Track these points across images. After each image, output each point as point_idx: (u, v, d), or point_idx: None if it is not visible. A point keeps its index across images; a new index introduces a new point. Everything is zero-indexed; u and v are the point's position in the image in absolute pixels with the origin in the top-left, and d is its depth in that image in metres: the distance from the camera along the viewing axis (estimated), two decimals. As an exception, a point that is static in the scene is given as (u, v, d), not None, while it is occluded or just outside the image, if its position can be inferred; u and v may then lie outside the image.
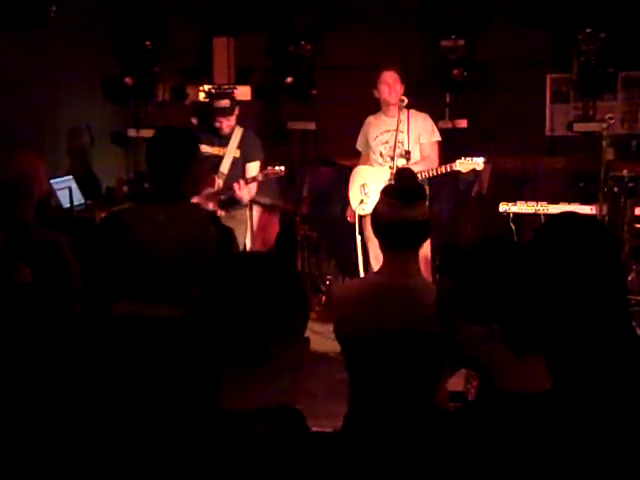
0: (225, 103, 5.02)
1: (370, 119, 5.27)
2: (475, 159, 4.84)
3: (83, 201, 5.81)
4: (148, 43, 6.22)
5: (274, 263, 1.40)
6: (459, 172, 4.98)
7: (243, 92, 6.06)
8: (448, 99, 6.31)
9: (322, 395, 3.96)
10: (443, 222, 5.98)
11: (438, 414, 1.73)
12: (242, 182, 4.92)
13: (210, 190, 5.01)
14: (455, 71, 6.04)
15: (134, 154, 6.55)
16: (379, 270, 2.52)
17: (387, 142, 5.08)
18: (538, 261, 1.47)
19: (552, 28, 5.89)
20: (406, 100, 4.82)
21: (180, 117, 6.60)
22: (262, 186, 5.21)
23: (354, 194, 5.23)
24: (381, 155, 5.14)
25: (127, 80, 6.24)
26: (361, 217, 4.99)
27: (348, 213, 5.31)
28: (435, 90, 6.18)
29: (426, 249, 4.63)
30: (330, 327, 2.53)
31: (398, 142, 4.80)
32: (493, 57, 6.18)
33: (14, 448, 2.18)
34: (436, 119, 5.46)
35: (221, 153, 5.08)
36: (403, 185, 2.46)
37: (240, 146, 5.07)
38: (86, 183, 6.04)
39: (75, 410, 2.40)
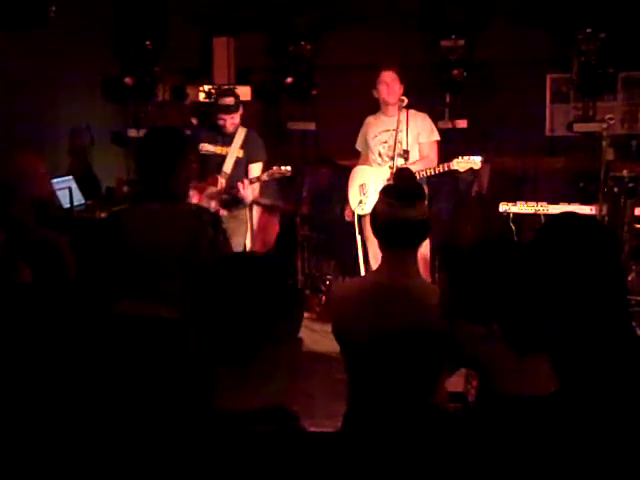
0: (230, 100, 5.02)
1: (370, 119, 5.27)
2: (472, 158, 4.83)
3: (83, 201, 5.81)
4: (148, 43, 6.22)
5: (268, 264, 1.41)
6: (459, 172, 4.98)
7: (243, 92, 6.06)
8: (448, 99, 6.31)
9: (321, 395, 3.96)
10: (443, 222, 5.98)
11: (437, 414, 1.73)
12: (247, 182, 4.92)
13: (212, 189, 5.01)
14: (455, 71, 6.03)
15: (134, 154, 6.55)
16: (378, 269, 2.52)
17: (386, 142, 5.08)
18: (538, 261, 1.47)
19: (552, 28, 5.89)
20: (406, 100, 4.81)
21: (180, 117, 6.60)
22: (262, 186, 5.21)
23: (353, 194, 5.23)
24: (380, 155, 5.14)
25: (127, 80, 6.24)
26: (360, 217, 4.99)
27: (346, 212, 5.31)
28: (435, 90, 6.17)
29: (425, 249, 4.63)
30: (330, 327, 2.53)
31: (398, 142, 4.80)
32: (493, 57, 6.18)
33: (14, 447, 2.18)
34: (436, 119, 5.46)
35: (224, 152, 5.07)
36: (402, 185, 2.46)
37: (244, 146, 5.07)
38: (86, 183, 6.04)
39: (74, 409, 2.40)
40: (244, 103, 5.25)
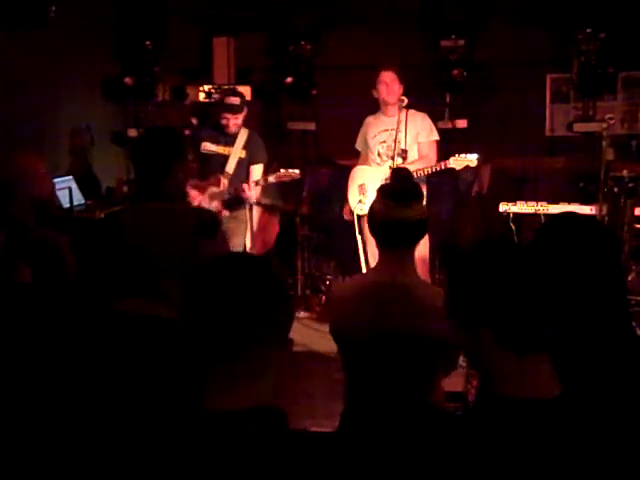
0: (236, 100, 5.03)
1: (369, 119, 5.27)
2: (469, 156, 4.83)
3: (83, 201, 5.82)
4: (148, 43, 6.22)
5: (258, 265, 1.41)
6: (459, 172, 4.98)
7: (243, 92, 6.06)
8: (448, 99, 6.30)
9: (321, 395, 3.96)
10: (443, 222, 5.98)
11: (434, 413, 1.73)
12: (253, 183, 4.92)
13: (215, 189, 5.01)
14: (455, 71, 6.03)
15: (130, 154, 6.54)
16: (376, 267, 2.52)
17: (384, 141, 5.08)
18: (538, 261, 1.47)
19: (552, 28, 5.89)
20: (406, 100, 4.81)
21: (180, 117, 6.60)
22: (262, 186, 5.21)
23: (353, 194, 5.23)
24: (379, 155, 5.14)
25: (127, 80, 6.23)
26: (360, 217, 5.00)
27: (344, 211, 5.32)
28: (435, 90, 6.17)
29: (425, 249, 4.63)
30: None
31: (397, 141, 4.80)
32: (493, 57, 6.18)
33: (14, 447, 2.18)
34: (436, 119, 5.46)
35: (226, 152, 5.07)
36: (398, 185, 2.47)
37: (246, 147, 5.07)
38: (86, 183, 6.04)
39: (72, 408, 2.40)
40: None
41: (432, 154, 5.06)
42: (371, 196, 4.99)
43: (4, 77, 5.26)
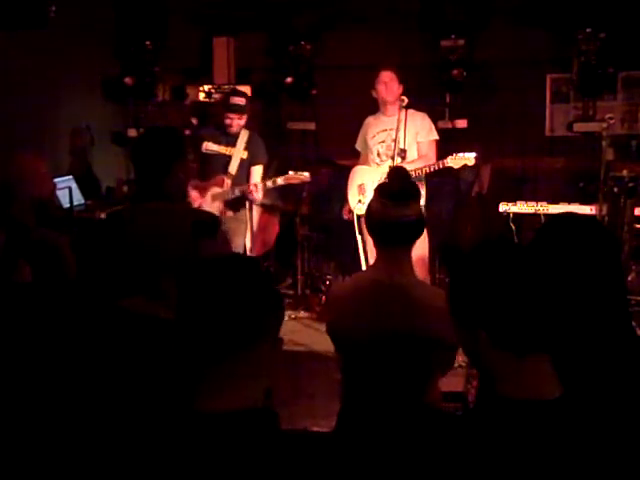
0: (241, 101, 5.03)
1: (369, 119, 5.27)
2: (466, 155, 4.82)
3: (83, 201, 5.82)
4: (148, 43, 6.22)
5: (248, 266, 1.41)
6: (459, 172, 4.98)
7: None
8: (448, 99, 6.30)
9: (321, 395, 3.96)
10: (443, 222, 5.98)
11: (431, 414, 1.73)
12: (260, 185, 4.93)
13: (217, 190, 5.01)
14: (455, 71, 6.03)
15: (130, 154, 6.54)
16: (374, 266, 2.52)
17: (384, 141, 5.08)
18: (538, 261, 1.47)
19: (552, 28, 5.89)
20: (406, 100, 4.81)
21: (180, 117, 6.60)
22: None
23: (352, 194, 5.24)
24: (378, 155, 5.14)
25: (127, 80, 6.23)
26: (359, 217, 5.00)
27: (344, 210, 5.32)
28: (435, 90, 6.17)
29: (424, 249, 4.63)
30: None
31: (396, 141, 4.80)
32: (493, 57, 6.18)
33: (14, 447, 2.19)
34: (436, 119, 5.46)
35: (228, 152, 5.08)
36: (396, 184, 2.47)
37: (247, 147, 5.07)
38: (86, 183, 6.05)
39: (71, 408, 2.40)
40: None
41: (431, 154, 5.06)
42: (370, 196, 4.99)
43: (4, 77, 5.26)
